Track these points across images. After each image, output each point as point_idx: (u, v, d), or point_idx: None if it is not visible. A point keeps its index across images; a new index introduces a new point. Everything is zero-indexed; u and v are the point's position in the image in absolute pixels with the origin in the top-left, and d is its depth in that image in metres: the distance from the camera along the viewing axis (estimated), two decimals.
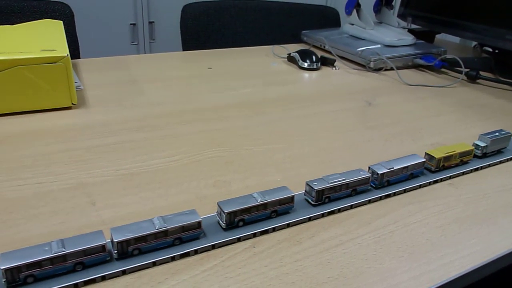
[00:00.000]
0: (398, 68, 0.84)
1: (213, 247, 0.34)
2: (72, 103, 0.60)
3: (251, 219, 0.36)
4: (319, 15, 1.27)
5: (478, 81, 0.83)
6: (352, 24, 1.00)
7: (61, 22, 0.76)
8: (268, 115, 0.61)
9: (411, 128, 0.59)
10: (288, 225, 0.37)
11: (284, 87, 0.73)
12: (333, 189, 0.40)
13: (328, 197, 0.40)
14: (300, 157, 0.49)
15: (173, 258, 0.32)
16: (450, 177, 0.47)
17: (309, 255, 0.34)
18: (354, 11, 0.98)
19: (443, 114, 0.65)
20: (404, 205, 0.41)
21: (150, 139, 0.52)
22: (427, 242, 0.36)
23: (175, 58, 0.88)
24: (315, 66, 0.84)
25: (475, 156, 0.51)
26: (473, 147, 0.49)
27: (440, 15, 0.99)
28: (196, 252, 0.33)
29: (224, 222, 0.35)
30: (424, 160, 0.45)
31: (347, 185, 0.40)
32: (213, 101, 0.65)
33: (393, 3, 1.04)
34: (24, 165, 0.45)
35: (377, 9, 1.04)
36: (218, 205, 0.35)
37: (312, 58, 0.84)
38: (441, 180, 0.46)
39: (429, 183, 0.45)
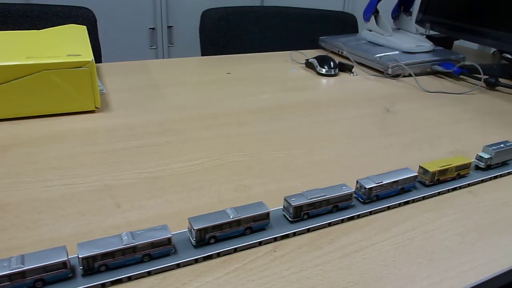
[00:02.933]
0: (416, 74, 0.84)
1: (178, 265, 0.33)
2: (96, 107, 0.61)
3: (223, 236, 0.35)
4: (337, 21, 1.28)
5: (497, 88, 0.82)
6: (370, 31, 1.00)
7: (85, 27, 0.78)
8: (287, 121, 0.61)
9: (430, 135, 0.59)
10: (308, 230, 0.38)
11: (302, 92, 0.74)
12: (312, 205, 0.38)
13: (307, 213, 0.38)
14: (320, 162, 0.50)
15: (196, 261, 0.33)
16: (443, 192, 0.45)
17: (330, 260, 0.35)
18: (372, 17, 0.99)
19: (462, 121, 0.65)
20: (423, 212, 0.42)
21: (172, 143, 0.53)
22: (446, 249, 0.36)
23: (194, 63, 0.90)
24: (333, 72, 0.85)
25: (479, 168, 0.49)
26: (471, 161, 0.47)
27: (458, 21, 0.99)
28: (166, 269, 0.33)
29: (194, 239, 0.34)
30: (416, 174, 0.43)
31: (327, 201, 0.39)
32: (233, 106, 0.66)
33: (411, 10, 1.04)
34: (51, 167, 0.46)
35: (395, 16, 1.04)
36: (189, 221, 0.34)
37: (330, 64, 0.85)
38: (439, 194, 0.45)
39: (423, 198, 0.44)
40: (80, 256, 0.30)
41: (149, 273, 0.32)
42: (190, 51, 1.93)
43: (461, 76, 0.88)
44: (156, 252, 0.32)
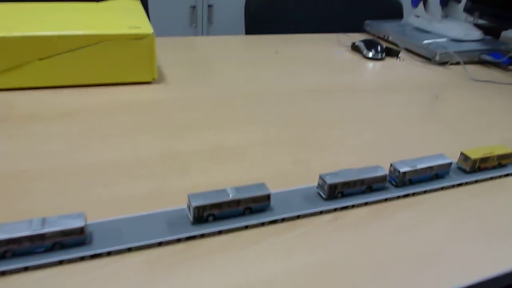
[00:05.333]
0: (465, 63, 0.84)
1: (276, 221, 0.36)
2: (153, 79, 0.64)
3: (222, 215, 0.35)
4: (382, 5, 1.27)
5: None
6: (418, 16, 0.99)
7: (139, 1, 0.80)
8: (338, 102, 0.62)
9: (480, 123, 0.59)
10: (366, 203, 0.39)
11: (349, 75, 0.75)
12: (346, 184, 0.38)
13: (341, 192, 0.39)
14: (372, 143, 0.51)
15: (262, 224, 0.35)
16: (486, 179, 0.45)
17: (390, 231, 0.36)
18: (421, 3, 0.98)
19: (511, 112, 0.65)
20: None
21: (229, 116, 0.55)
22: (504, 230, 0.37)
23: (241, 41, 0.91)
24: (379, 57, 0.85)
25: None
26: None
27: (508, 11, 0.97)
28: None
29: (192, 215, 0.34)
30: (451, 161, 0.43)
31: (362, 182, 0.39)
32: (284, 85, 0.67)
33: None
34: (118, 133, 0.49)
35: (444, 2, 1.03)
36: (188, 198, 0.34)
37: (377, 48, 0.85)
38: (476, 181, 0.44)
39: (459, 184, 0.43)
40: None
41: (246, 227, 0.35)
42: (229, 30, 1.94)
43: (510, 67, 0.87)
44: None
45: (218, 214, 0.35)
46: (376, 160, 0.47)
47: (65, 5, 0.71)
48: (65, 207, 0.36)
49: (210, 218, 0.34)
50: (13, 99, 0.56)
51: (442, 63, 0.85)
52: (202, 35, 1.95)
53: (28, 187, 0.38)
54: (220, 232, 0.34)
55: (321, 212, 0.38)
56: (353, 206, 0.39)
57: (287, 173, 0.43)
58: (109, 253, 0.31)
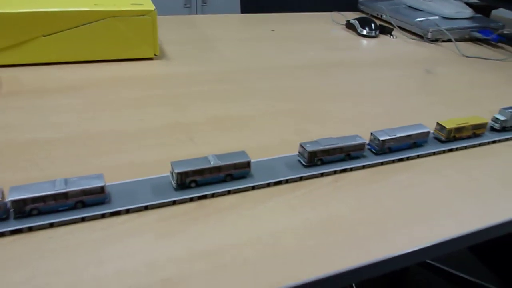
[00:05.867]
0: (455, 40, 0.86)
1: (254, 187, 0.37)
2: (155, 55, 0.65)
3: (203, 181, 0.36)
4: None
5: None
6: None
7: None
8: (334, 77, 0.65)
9: (471, 96, 0.62)
10: (321, 175, 0.40)
11: (345, 51, 0.77)
12: (326, 152, 0.40)
13: (321, 160, 0.40)
14: (369, 115, 0.54)
15: (268, 185, 0.38)
16: (457, 149, 0.47)
17: (387, 191, 0.39)
18: None
19: (501, 86, 0.67)
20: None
21: (231, 90, 0.57)
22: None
23: (238, 19, 0.92)
24: (373, 34, 0.87)
25: (493, 129, 0.50)
26: (487, 121, 0.48)
27: None
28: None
29: (175, 182, 0.35)
30: (429, 130, 0.45)
31: (340, 149, 0.41)
32: (282, 61, 0.69)
33: None
34: (124, 105, 0.51)
35: None
36: (171, 165, 0.36)
37: (371, 26, 0.87)
38: (450, 150, 0.46)
39: (433, 153, 0.45)
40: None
41: (229, 192, 0.37)
42: (222, 11, 1.94)
43: (499, 44, 0.89)
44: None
45: (200, 180, 0.36)
46: (372, 129, 0.50)
47: None
48: (82, 172, 0.38)
49: (193, 184, 0.36)
50: (19, 74, 0.57)
51: (434, 40, 0.87)
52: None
53: (44, 155, 0.40)
54: (229, 192, 0.37)
55: (321, 174, 0.40)
56: (351, 169, 0.41)
57: (290, 141, 0.46)
58: (127, 211, 0.34)
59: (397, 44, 0.84)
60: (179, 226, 0.33)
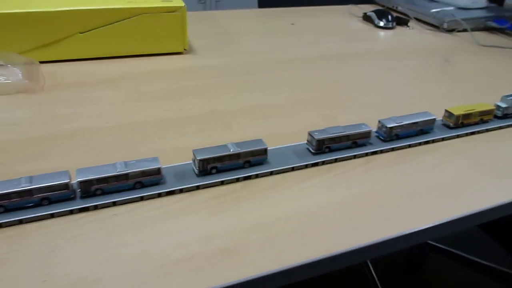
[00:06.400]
0: (471, 29, 0.88)
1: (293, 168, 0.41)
2: (184, 49, 0.69)
3: (223, 167, 0.38)
4: None
5: None
6: None
7: None
8: (355, 67, 0.67)
9: (488, 83, 0.65)
10: (335, 160, 0.42)
11: (363, 42, 0.79)
12: (333, 139, 0.42)
13: (328, 147, 0.42)
14: (391, 102, 0.56)
15: (306, 166, 0.41)
16: (466, 134, 0.48)
17: (414, 171, 0.42)
18: None
19: None
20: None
21: (258, 81, 0.60)
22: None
23: (257, 14, 0.95)
24: (390, 25, 0.89)
25: (496, 116, 0.51)
26: (494, 107, 0.50)
27: None
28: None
29: (197, 168, 0.37)
30: (434, 117, 0.46)
31: (347, 137, 0.42)
32: (304, 53, 0.72)
33: None
34: (162, 96, 0.54)
35: None
36: (193, 153, 0.38)
37: (388, 18, 0.89)
38: (458, 136, 0.48)
39: (442, 139, 0.47)
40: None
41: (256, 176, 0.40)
42: (236, 5, 1.97)
43: None
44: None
45: (221, 167, 0.38)
46: (395, 114, 0.52)
47: None
48: (132, 157, 0.41)
49: (213, 170, 0.38)
50: (57, 70, 0.60)
51: (450, 30, 0.90)
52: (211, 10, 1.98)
53: (96, 141, 0.44)
54: (271, 173, 0.40)
55: (354, 156, 0.43)
56: (381, 151, 0.44)
57: (319, 126, 0.49)
58: (181, 190, 0.37)
59: (414, 35, 0.86)
60: (229, 204, 0.36)
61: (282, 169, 0.40)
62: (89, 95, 0.54)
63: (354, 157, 0.43)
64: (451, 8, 0.93)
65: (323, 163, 0.42)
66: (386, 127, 0.44)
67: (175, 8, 0.65)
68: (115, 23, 0.63)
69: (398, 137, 0.45)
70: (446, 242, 1.39)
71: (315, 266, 0.31)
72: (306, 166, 0.41)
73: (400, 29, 0.90)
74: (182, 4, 0.65)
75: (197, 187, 0.37)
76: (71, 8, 0.60)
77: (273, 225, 0.34)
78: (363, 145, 0.44)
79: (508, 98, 0.51)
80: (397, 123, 0.44)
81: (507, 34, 0.92)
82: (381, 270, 1.32)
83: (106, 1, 0.63)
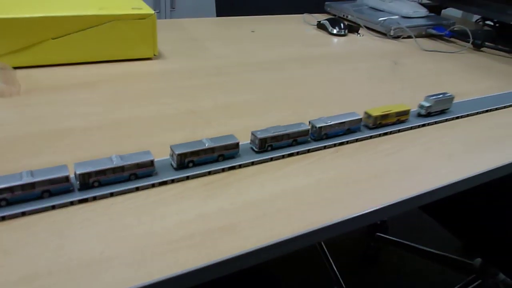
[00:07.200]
0: (415, 36, 0.97)
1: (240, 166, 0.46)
2: (154, 54, 0.71)
3: (200, 161, 0.41)
4: None
5: (482, 49, 0.96)
6: None
7: None
8: (316, 68, 0.73)
9: (433, 82, 0.72)
10: (271, 159, 0.45)
11: (320, 48, 0.86)
12: (275, 138, 0.44)
13: (271, 145, 0.44)
14: (351, 98, 0.62)
15: (283, 156, 0.45)
16: (385, 134, 0.52)
17: (376, 157, 0.47)
18: None
19: (457, 73, 0.78)
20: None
21: (229, 81, 0.64)
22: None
23: (218, 22, 0.99)
24: (343, 33, 0.96)
25: (420, 115, 0.56)
26: (410, 108, 0.53)
27: None
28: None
29: (175, 162, 0.40)
30: (361, 117, 0.49)
31: (288, 135, 0.45)
32: (267, 56, 0.77)
33: None
34: (139, 97, 0.57)
35: None
36: (171, 148, 0.40)
37: (341, 25, 0.97)
38: (379, 135, 0.51)
39: (367, 138, 0.51)
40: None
41: (222, 170, 0.44)
42: (190, 15, 2.00)
43: (451, 39, 1.01)
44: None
45: (197, 160, 0.41)
46: (354, 110, 0.58)
47: None
48: (119, 152, 0.44)
49: (190, 164, 0.41)
50: (32, 74, 0.62)
51: (396, 37, 0.98)
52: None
53: (83, 139, 0.46)
54: (253, 163, 0.44)
55: (324, 147, 0.48)
56: (347, 142, 0.50)
57: (291, 121, 0.53)
58: (172, 181, 0.40)
59: (365, 41, 0.94)
60: (219, 190, 0.40)
61: (262, 159, 0.45)
62: (67, 98, 0.55)
63: (297, 153, 0.47)
64: (396, 16, 1.02)
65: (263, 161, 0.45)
66: (316, 127, 0.47)
67: (146, 15, 0.68)
68: (87, 30, 0.65)
69: (328, 136, 0.48)
70: (399, 234, 1.49)
71: (301, 239, 0.36)
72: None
73: (351, 36, 0.97)
74: (152, 11, 0.68)
75: (187, 177, 0.41)
76: (44, 15, 0.62)
77: (261, 205, 0.38)
78: (302, 142, 0.47)
79: (431, 98, 0.56)
80: (325, 123, 0.47)
81: (445, 40, 1.01)
82: (340, 262, 1.39)
83: (78, 8, 0.65)
